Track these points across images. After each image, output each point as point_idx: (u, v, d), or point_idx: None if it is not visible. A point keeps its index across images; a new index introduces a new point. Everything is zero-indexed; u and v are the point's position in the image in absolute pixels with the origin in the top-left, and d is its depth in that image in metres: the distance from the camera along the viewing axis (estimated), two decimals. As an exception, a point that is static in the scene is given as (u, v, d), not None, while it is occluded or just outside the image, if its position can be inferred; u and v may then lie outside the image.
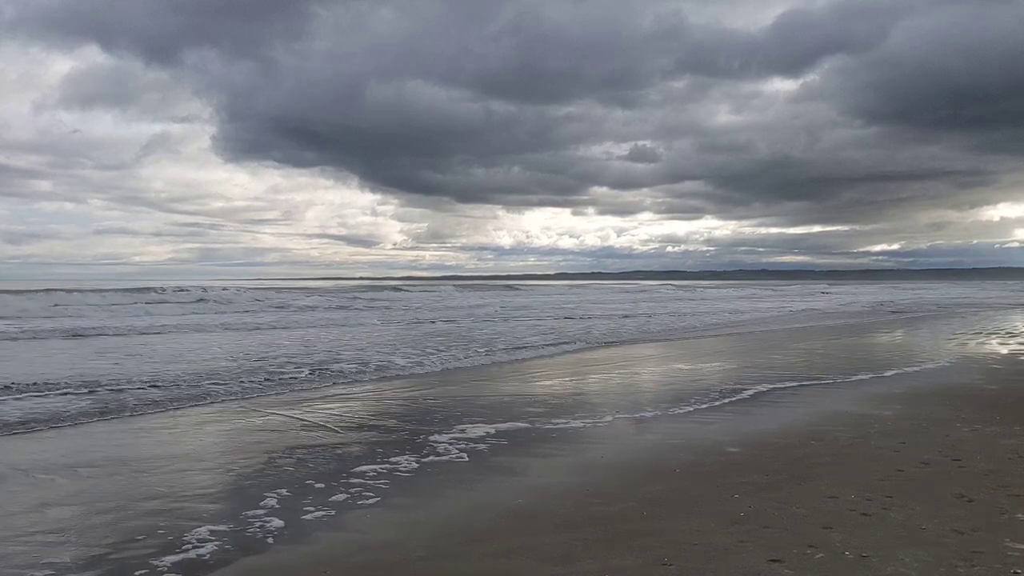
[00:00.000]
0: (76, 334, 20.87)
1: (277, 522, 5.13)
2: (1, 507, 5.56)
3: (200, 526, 5.02)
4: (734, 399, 10.13)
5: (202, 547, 4.66)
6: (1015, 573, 4.01)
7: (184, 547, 4.65)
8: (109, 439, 7.96)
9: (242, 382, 11.68)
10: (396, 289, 59.47)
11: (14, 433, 8.04)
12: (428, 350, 17.01)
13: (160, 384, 11.23)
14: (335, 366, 13.86)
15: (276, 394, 10.79)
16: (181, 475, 6.42)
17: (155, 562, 4.42)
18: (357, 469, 6.50)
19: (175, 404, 9.82)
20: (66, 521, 5.20)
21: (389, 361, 14.84)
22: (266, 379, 12.06)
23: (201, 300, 37.61)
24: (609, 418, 8.82)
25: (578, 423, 8.52)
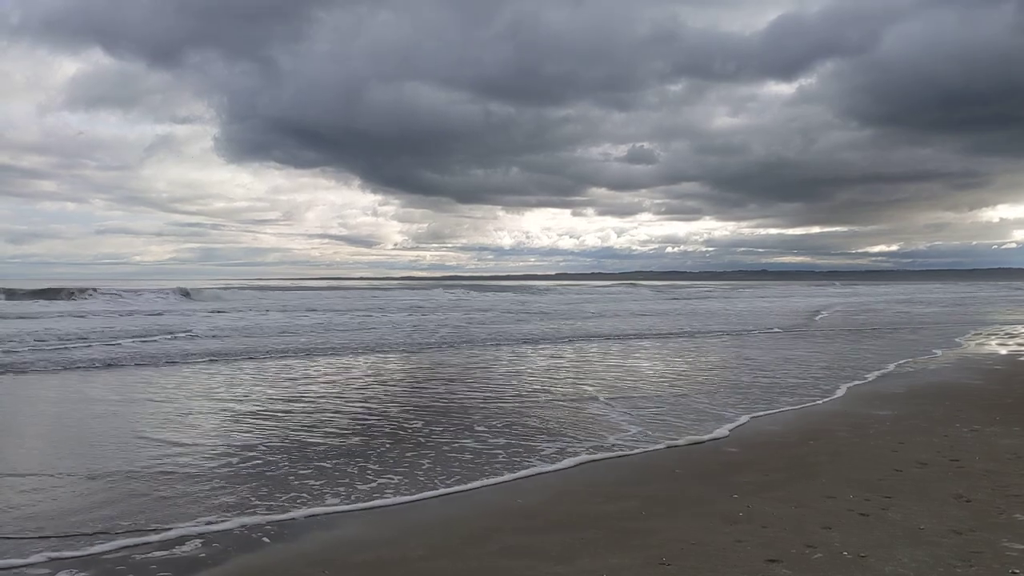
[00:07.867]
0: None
1: (272, 520, 5.14)
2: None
3: (194, 523, 5.03)
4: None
5: (196, 544, 4.66)
6: (1013, 573, 4.01)
7: (178, 544, 4.65)
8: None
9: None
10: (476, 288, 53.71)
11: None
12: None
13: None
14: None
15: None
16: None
17: (147, 559, 4.42)
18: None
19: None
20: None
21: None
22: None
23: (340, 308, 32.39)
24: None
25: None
